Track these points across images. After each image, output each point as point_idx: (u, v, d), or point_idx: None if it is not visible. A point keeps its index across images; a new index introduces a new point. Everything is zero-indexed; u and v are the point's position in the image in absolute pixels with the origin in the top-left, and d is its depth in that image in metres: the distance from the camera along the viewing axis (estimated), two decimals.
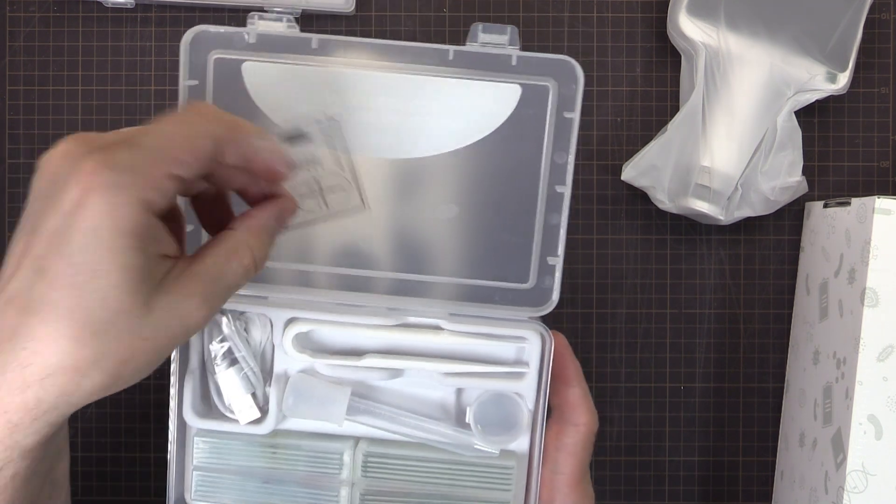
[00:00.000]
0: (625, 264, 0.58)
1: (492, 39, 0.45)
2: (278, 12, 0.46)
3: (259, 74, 0.45)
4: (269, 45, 0.45)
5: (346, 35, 0.53)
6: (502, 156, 0.46)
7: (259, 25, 0.45)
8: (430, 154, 0.46)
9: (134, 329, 0.33)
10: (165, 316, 0.34)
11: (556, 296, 0.47)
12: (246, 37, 0.45)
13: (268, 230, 0.39)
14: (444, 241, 0.47)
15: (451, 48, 0.45)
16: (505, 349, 0.47)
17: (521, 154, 0.46)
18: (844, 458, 0.48)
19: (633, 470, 0.59)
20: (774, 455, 0.58)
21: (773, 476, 0.58)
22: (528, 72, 0.45)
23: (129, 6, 0.56)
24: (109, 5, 0.56)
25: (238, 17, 0.57)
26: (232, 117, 0.38)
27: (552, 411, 0.47)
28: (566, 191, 0.46)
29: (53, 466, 0.40)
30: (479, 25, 0.45)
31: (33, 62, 0.57)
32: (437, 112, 0.46)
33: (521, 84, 0.46)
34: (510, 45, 0.45)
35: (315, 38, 0.45)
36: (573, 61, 0.45)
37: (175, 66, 0.57)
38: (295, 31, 0.45)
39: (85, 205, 0.32)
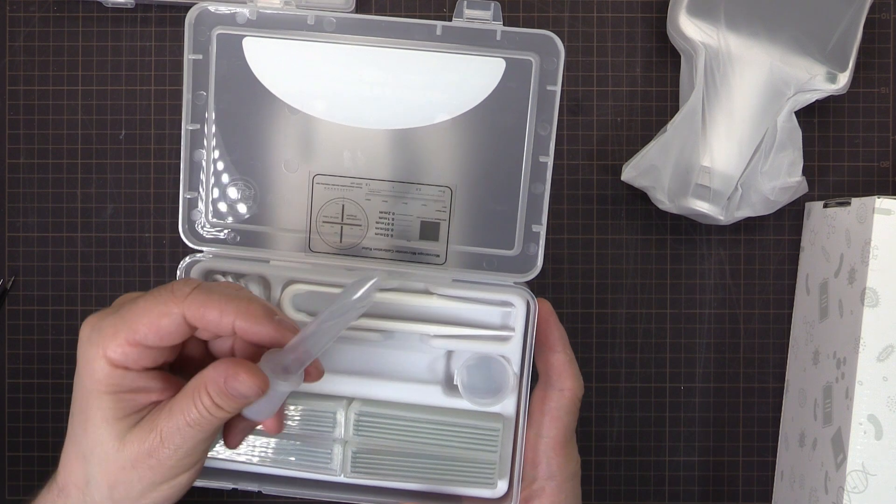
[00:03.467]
0: (625, 264, 0.58)
1: (476, 15, 0.47)
2: None
3: (259, 49, 0.48)
4: (269, 22, 0.48)
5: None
6: (488, 127, 0.49)
7: (257, 1, 0.48)
8: (419, 125, 0.49)
9: (111, 458, 0.40)
10: (136, 449, 0.40)
11: (540, 262, 0.49)
12: (245, 13, 0.48)
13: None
14: (434, 209, 0.49)
15: (439, 24, 0.47)
16: (492, 313, 0.49)
17: (506, 125, 0.48)
18: (844, 458, 0.48)
19: (633, 470, 0.59)
20: (774, 455, 0.58)
21: (773, 476, 0.58)
22: (512, 46, 0.48)
23: (129, 6, 0.56)
24: (109, 5, 0.56)
25: None
26: (213, 296, 0.40)
27: (539, 377, 0.48)
28: (549, 161, 0.48)
29: None
30: (465, 1, 0.48)
31: (33, 62, 0.57)
32: (426, 85, 0.48)
33: (505, 58, 0.48)
34: (494, 20, 0.48)
35: (311, 14, 0.47)
36: (555, 36, 0.47)
37: (176, 65, 0.57)
38: (291, 7, 0.48)
39: (77, 358, 0.41)
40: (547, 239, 0.58)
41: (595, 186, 0.58)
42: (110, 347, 0.40)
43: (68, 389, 0.58)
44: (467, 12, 0.47)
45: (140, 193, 0.58)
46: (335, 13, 0.48)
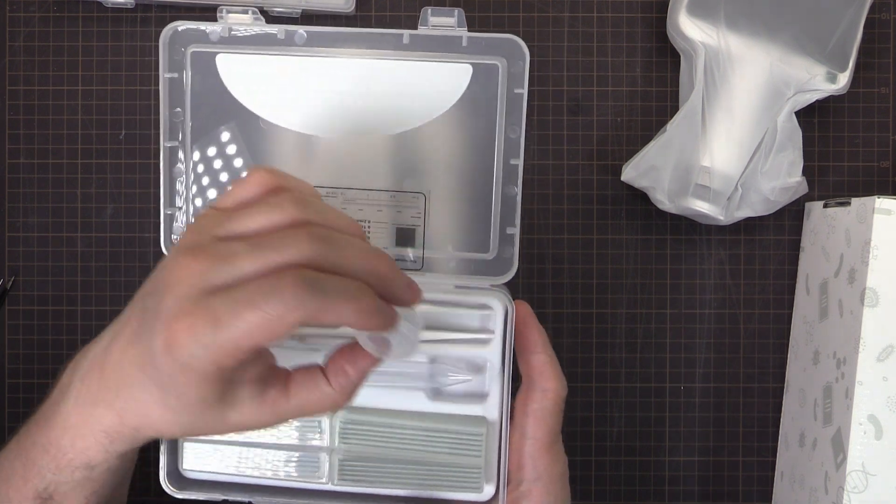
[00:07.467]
0: (625, 264, 0.58)
1: (441, 22, 0.48)
2: (247, 7, 0.50)
3: (232, 65, 0.49)
4: (241, 38, 0.49)
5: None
6: (459, 132, 0.49)
7: (228, 19, 0.48)
8: (391, 133, 0.49)
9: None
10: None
11: (515, 264, 0.49)
12: (217, 30, 0.49)
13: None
14: (409, 216, 0.50)
15: (406, 32, 0.48)
16: (471, 317, 0.49)
17: (477, 130, 0.49)
18: (844, 458, 0.48)
19: (633, 470, 0.59)
20: (774, 455, 0.59)
21: (773, 476, 0.58)
22: (479, 52, 0.49)
23: (129, 6, 0.56)
24: (109, 5, 0.56)
25: None
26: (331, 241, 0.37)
27: (521, 379, 0.48)
28: (520, 163, 0.49)
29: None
30: (429, 10, 0.48)
31: (33, 62, 0.57)
32: (396, 93, 0.49)
33: (471, 63, 0.49)
34: (459, 26, 0.48)
35: (280, 28, 0.48)
36: (519, 40, 0.48)
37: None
38: (261, 23, 0.49)
39: (176, 345, 0.35)
40: (547, 239, 0.58)
41: (595, 186, 0.58)
42: (222, 357, 0.36)
43: None
44: (432, 20, 0.48)
45: (140, 193, 0.58)
46: (311, 29, 0.48)
